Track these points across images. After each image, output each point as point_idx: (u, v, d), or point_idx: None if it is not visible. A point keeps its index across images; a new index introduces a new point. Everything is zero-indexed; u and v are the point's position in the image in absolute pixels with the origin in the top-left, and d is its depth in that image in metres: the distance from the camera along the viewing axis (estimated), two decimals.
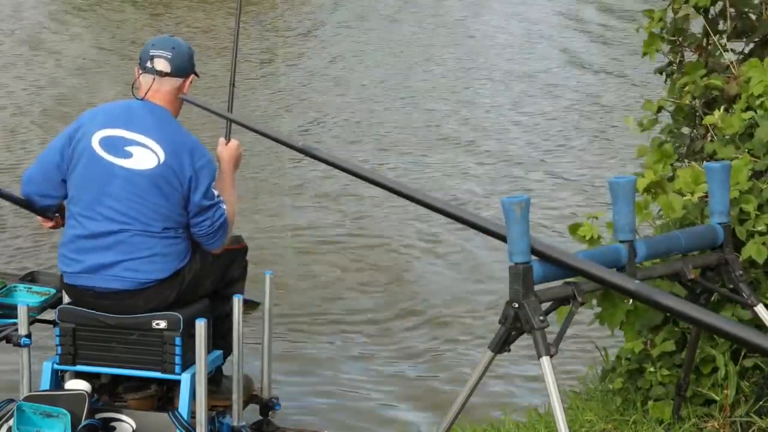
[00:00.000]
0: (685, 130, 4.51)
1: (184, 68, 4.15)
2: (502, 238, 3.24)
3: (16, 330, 4.14)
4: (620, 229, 3.48)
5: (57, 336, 4.09)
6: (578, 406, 4.39)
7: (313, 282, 6.92)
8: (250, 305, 5.35)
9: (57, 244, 4.29)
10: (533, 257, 3.22)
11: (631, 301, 3.72)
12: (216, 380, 4.38)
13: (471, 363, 5.55)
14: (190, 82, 4.19)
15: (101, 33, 15.30)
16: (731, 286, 3.68)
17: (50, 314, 4.32)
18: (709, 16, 4.46)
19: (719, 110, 4.10)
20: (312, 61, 13.60)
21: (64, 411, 3.89)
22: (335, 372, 5.72)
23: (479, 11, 16.75)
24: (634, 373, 4.24)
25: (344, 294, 6.75)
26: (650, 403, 4.14)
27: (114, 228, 4.02)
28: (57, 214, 4.26)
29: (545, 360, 3.16)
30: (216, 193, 4.08)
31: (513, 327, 3.25)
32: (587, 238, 3.83)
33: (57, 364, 4.12)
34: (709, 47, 4.44)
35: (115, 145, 4.03)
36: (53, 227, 4.31)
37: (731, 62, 4.32)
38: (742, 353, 4.04)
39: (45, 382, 4.12)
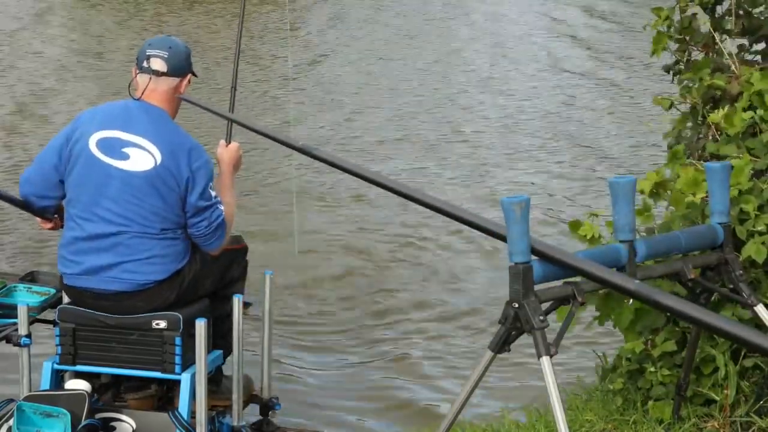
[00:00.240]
0: (690, 129, 4.51)
1: (181, 68, 4.14)
2: (502, 238, 3.24)
3: (16, 330, 4.14)
4: (620, 229, 3.47)
5: (57, 336, 4.08)
6: (578, 406, 4.39)
7: (315, 284, 6.92)
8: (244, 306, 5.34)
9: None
10: (533, 257, 3.22)
11: (631, 301, 3.73)
12: (216, 380, 4.37)
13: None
14: (188, 82, 4.18)
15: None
16: (731, 286, 3.67)
17: (50, 314, 4.32)
18: (716, 15, 4.46)
19: (722, 109, 4.10)
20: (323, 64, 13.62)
21: (64, 411, 3.89)
22: (336, 374, 5.73)
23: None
24: (635, 374, 4.24)
25: (345, 295, 6.76)
26: (650, 402, 4.14)
27: (112, 230, 4.01)
28: (56, 216, 4.25)
29: (545, 360, 3.16)
30: (213, 194, 4.07)
31: (513, 327, 3.25)
32: (588, 238, 3.83)
33: (57, 364, 4.11)
34: (716, 46, 4.44)
35: (112, 147, 4.02)
36: (52, 228, 4.30)
37: (733, 62, 4.31)
38: (742, 353, 4.04)
39: (45, 382, 4.11)
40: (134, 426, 4.07)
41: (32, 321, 4.22)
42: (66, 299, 4.19)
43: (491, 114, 11.21)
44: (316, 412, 5.29)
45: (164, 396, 4.21)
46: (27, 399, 3.99)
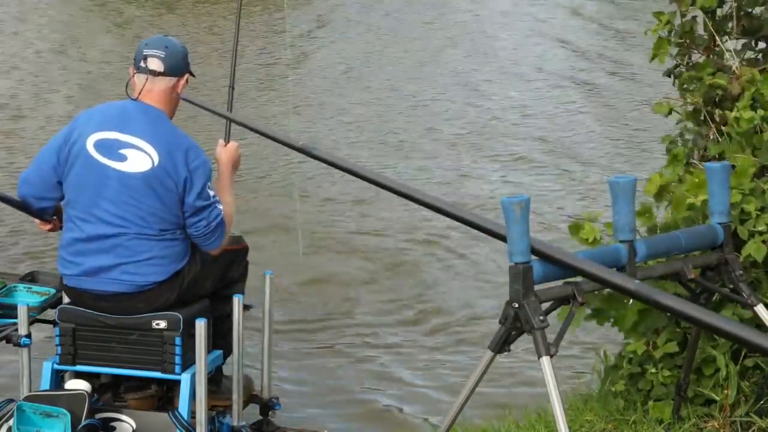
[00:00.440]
0: (690, 130, 4.51)
1: (177, 67, 4.14)
2: (502, 238, 3.24)
3: (16, 330, 4.13)
4: (620, 229, 3.47)
5: (57, 336, 4.08)
6: (578, 406, 4.39)
7: (317, 284, 6.92)
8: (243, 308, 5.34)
9: None
10: (533, 257, 3.22)
11: (631, 301, 3.72)
12: (216, 380, 4.37)
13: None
14: (185, 82, 4.18)
15: None
16: (731, 286, 3.67)
17: (50, 314, 4.31)
18: (716, 18, 4.46)
19: (726, 110, 4.11)
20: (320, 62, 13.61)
21: (64, 411, 3.89)
22: (336, 374, 5.72)
23: None
24: (636, 375, 4.24)
25: (350, 295, 6.75)
26: (650, 403, 4.14)
27: (111, 231, 4.01)
28: (55, 217, 4.25)
29: (545, 360, 3.15)
30: (212, 193, 4.07)
31: (513, 327, 3.24)
32: (589, 241, 3.83)
33: (57, 364, 4.11)
34: (716, 48, 4.44)
35: (110, 148, 4.02)
36: (51, 230, 4.30)
37: (734, 62, 4.31)
38: (743, 353, 4.04)
39: (45, 382, 4.11)
40: (134, 426, 4.07)
41: (32, 321, 4.22)
42: (66, 299, 4.19)
43: (473, 116, 11.19)
44: (316, 413, 5.30)
45: (164, 396, 4.21)
46: (27, 399, 3.99)
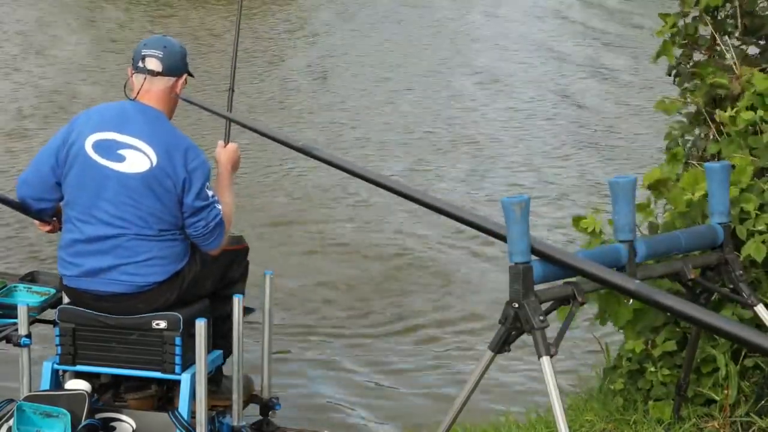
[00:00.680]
0: (690, 130, 4.51)
1: (176, 67, 4.13)
2: (502, 238, 3.24)
3: (16, 330, 4.13)
4: (620, 229, 3.47)
5: (57, 336, 4.08)
6: (578, 406, 4.39)
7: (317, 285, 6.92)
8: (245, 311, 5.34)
9: None
10: (533, 257, 3.22)
11: (631, 301, 3.73)
12: (216, 380, 4.37)
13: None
14: (184, 82, 4.18)
15: None
16: (731, 286, 3.67)
17: (50, 314, 4.31)
18: (718, 18, 4.46)
19: (727, 110, 4.11)
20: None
21: (64, 411, 3.89)
22: (337, 375, 5.73)
23: None
24: (635, 374, 4.24)
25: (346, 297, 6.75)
26: (650, 402, 4.14)
27: (111, 232, 4.00)
28: (54, 218, 4.24)
29: (545, 360, 3.16)
30: (210, 193, 4.06)
31: (513, 327, 3.25)
32: (589, 231, 3.84)
33: (57, 364, 4.11)
34: (718, 48, 4.44)
35: (108, 149, 4.01)
36: (51, 231, 4.29)
37: (734, 62, 4.31)
38: (743, 353, 4.04)
39: (45, 382, 4.11)
40: (134, 426, 4.07)
41: (32, 321, 4.22)
42: (66, 299, 4.19)
43: (492, 115, 11.22)
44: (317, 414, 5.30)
45: (164, 396, 4.21)
46: (27, 399, 3.99)
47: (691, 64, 4.51)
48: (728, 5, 4.44)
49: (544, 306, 3.26)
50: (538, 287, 3.24)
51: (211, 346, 4.17)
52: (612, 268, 3.34)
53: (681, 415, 4.09)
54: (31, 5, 17.45)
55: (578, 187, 8.86)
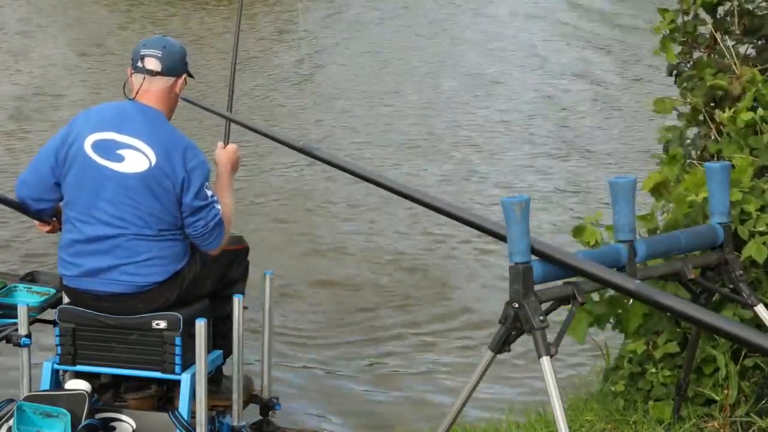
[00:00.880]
0: (692, 129, 4.51)
1: (175, 67, 4.13)
2: (502, 238, 3.24)
3: (16, 330, 4.13)
4: (620, 229, 3.47)
5: (57, 336, 4.08)
6: (578, 406, 4.39)
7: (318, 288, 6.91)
8: None
9: None
10: (533, 257, 3.22)
11: (631, 301, 3.73)
12: (216, 380, 4.37)
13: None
14: (184, 82, 4.18)
15: None
16: (731, 286, 3.67)
17: (50, 314, 4.31)
18: (717, 16, 4.46)
19: (727, 110, 4.11)
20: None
21: (64, 411, 3.89)
22: (337, 376, 5.73)
23: None
24: (636, 375, 4.24)
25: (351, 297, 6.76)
26: (650, 403, 4.14)
27: (110, 232, 4.00)
28: (54, 219, 4.24)
29: (545, 360, 3.15)
30: (209, 193, 4.06)
31: (513, 327, 3.25)
32: (591, 244, 3.84)
33: (57, 364, 4.11)
34: (717, 47, 4.44)
35: (108, 149, 4.01)
36: (50, 231, 4.29)
37: (734, 62, 4.31)
38: (743, 353, 4.04)
39: (45, 382, 4.11)
40: (134, 426, 4.07)
41: (32, 321, 4.22)
42: (66, 299, 4.19)
43: (482, 114, 11.22)
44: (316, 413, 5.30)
45: (164, 396, 4.21)
46: (27, 399, 3.99)
47: (690, 63, 4.51)
48: (727, 3, 4.43)
49: (544, 306, 3.26)
50: (538, 287, 3.24)
51: (211, 346, 4.18)
52: (612, 268, 3.34)
53: (681, 415, 4.09)
54: (32, 5, 17.45)
55: (566, 190, 8.86)
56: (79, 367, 4.10)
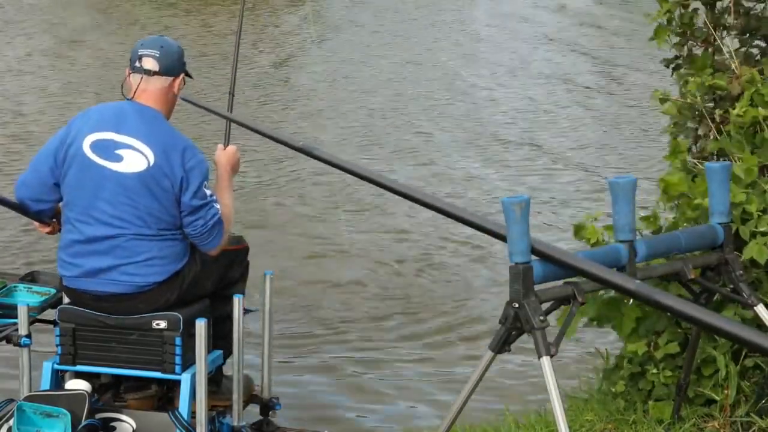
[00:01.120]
0: (690, 125, 4.50)
1: (173, 67, 4.13)
2: (503, 238, 3.24)
3: (16, 330, 4.13)
4: (620, 229, 3.47)
5: (57, 336, 4.08)
6: (578, 406, 4.39)
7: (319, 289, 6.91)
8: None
9: None
10: (533, 257, 3.22)
11: (631, 301, 3.73)
12: (216, 380, 4.37)
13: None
14: (182, 82, 4.18)
15: None
16: (731, 286, 3.67)
17: (51, 314, 4.31)
18: (716, 11, 4.45)
19: (728, 108, 4.10)
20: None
21: (65, 411, 3.89)
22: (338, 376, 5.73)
23: None
24: (636, 375, 4.24)
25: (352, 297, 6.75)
26: (650, 403, 4.14)
27: (110, 233, 4.00)
28: (53, 220, 4.24)
29: (545, 360, 3.15)
30: (208, 192, 4.06)
31: (513, 327, 3.25)
32: (592, 242, 3.84)
33: (57, 364, 4.11)
34: (715, 42, 4.43)
35: (106, 149, 4.01)
36: (50, 232, 4.29)
37: (734, 62, 4.31)
38: (743, 353, 4.04)
39: (45, 382, 4.11)
40: (134, 426, 4.07)
41: (32, 321, 4.22)
42: (66, 299, 4.19)
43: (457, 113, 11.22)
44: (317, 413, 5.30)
45: (164, 396, 4.21)
46: (27, 399, 3.99)
47: (687, 56, 4.49)
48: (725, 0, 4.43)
49: (544, 306, 3.26)
50: (538, 287, 3.24)
51: (212, 346, 4.17)
52: (612, 268, 3.34)
53: (681, 415, 4.09)
54: (33, 6, 17.45)
55: (578, 190, 8.87)
56: (80, 367, 4.10)
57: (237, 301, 4.24)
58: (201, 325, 3.98)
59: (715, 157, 4.21)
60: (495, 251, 7.09)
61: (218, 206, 4.07)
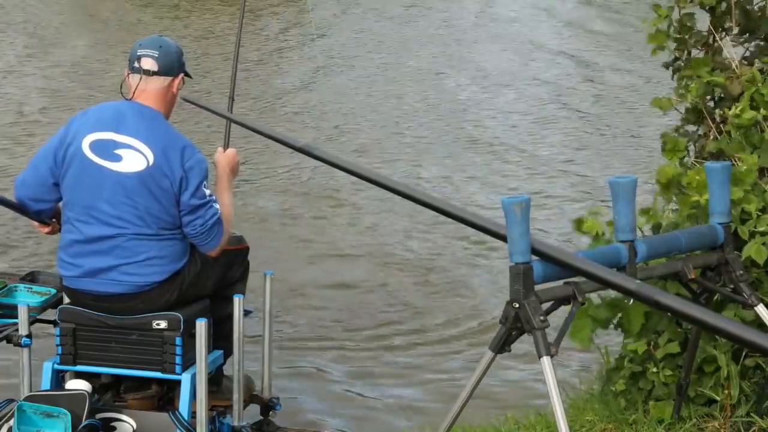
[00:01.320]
0: (691, 127, 4.51)
1: (171, 67, 4.13)
2: (503, 238, 3.24)
3: (17, 330, 4.13)
4: (621, 229, 3.47)
5: (57, 336, 4.08)
6: (579, 406, 4.39)
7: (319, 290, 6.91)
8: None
9: None
10: (534, 257, 3.21)
11: (631, 301, 3.72)
12: (216, 380, 4.37)
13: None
14: (181, 82, 4.18)
15: None
16: (732, 286, 3.67)
17: (51, 314, 4.31)
18: (715, 14, 4.45)
19: (728, 109, 4.10)
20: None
21: (65, 411, 3.89)
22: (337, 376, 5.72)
23: None
24: (637, 374, 4.24)
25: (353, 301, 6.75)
26: (651, 402, 4.14)
27: (109, 232, 4.00)
28: (53, 220, 4.24)
29: (546, 360, 3.15)
30: (208, 192, 4.06)
31: (513, 327, 3.24)
32: (593, 234, 3.83)
33: (57, 364, 4.11)
34: (715, 44, 4.43)
35: (106, 149, 4.01)
36: (50, 233, 4.29)
37: (734, 61, 4.31)
38: (744, 353, 4.04)
39: (45, 382, 4.11)
40: (134, 426, 4.07)
41: (33, 321, 4.22)
42: (66, 299, 4.19)
43: (492, 117, 11.22)
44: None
45: (164, 396, 4.21)
46: (27, 399, 3.99)
47: (687, 59, 4.50)
48: (723, 4, 4.43)
49: (545, 306, 3.25)
50: (538, 287, 3.23)
51: (212, 346, 4.18)
52: (612, 268, 3.33)
53: (681, 415, 4.09)
54: (33, 5, 17.45)
55: (578, 190, 8.87)
56: (80, 367, 4.11)
57: (237, 302, 4.24)
58: (201, 325, 3.98)
59: (714, 156, 4.21)
60: (495, 251, 7.08)
61: (217, 206, 4.07)
